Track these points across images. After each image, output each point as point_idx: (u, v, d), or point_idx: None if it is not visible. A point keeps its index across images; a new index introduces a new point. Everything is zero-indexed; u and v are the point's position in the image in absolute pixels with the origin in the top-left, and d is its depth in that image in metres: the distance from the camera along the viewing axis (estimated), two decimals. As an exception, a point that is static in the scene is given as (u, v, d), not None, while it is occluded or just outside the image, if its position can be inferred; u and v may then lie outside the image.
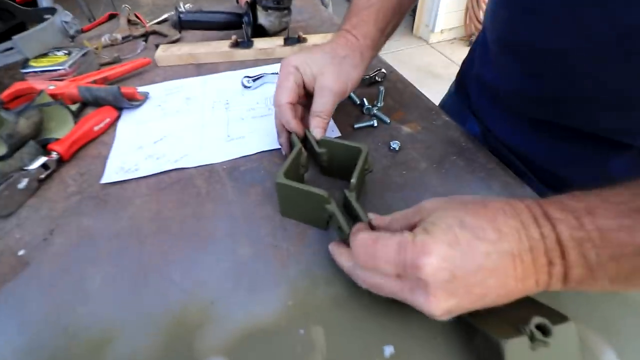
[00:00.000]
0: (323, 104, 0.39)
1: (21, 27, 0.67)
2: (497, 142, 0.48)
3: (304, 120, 0.42)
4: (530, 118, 0.43)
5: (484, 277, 0.22)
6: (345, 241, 0.30)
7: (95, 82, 0.55)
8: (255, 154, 0.44)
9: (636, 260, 0.21)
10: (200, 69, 0.62)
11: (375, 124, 0.48)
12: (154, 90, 0.56)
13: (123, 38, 0.70)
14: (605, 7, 0.28)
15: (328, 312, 0.30)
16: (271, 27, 0.66)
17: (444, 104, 0.61)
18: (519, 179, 0.41)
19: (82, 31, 0.72)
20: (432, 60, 2.49)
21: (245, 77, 0.55)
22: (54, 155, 0.43)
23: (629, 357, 0.27)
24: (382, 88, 0.51)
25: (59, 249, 0.35)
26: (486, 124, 0.50)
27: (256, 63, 0.62)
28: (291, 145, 0.39)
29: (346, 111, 0.51)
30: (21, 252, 0.35)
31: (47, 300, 0.31)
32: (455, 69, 0.61)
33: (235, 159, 0.44)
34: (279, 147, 0.44)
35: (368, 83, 0.56)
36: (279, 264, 0.33)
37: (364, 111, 0.50)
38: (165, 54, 0.62)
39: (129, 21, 0.74)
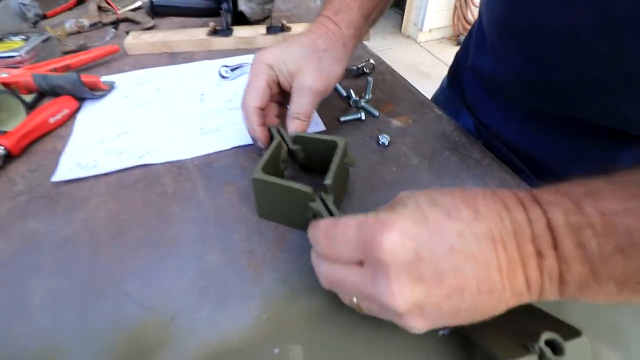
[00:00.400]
0: (302, 104, 0.35)
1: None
2: (493, 138, 0.45)
3: (281, 118, 0.38)
4: (530, 111, 0.39)
5: (458, 262, 0.18)
6: None
7: (55, 70, 0.50)
8: (231, 149, 0.40)
9: None
10: (175, 58, 0.57)
11: (363, 117, 0.44)
12: (121, 79, 0.51)
13: (91, 25, 0.64)
14: None
15: (308, 328, 0.26)
16: (252, 15, 0.62)
17: (436, 99, 0.58)
18: (516, 176, 0.38)
19: (46, 16, 0.67)
20: (420, 59, 2.48)
21: (223, 66, 0.51)
22: (1, 149, 0.38)
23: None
24: (370, 79, 0.47)
25: (-2, 256, 0.30)
26: (481, 118, 0.47)
27: (236, 53, 0.58)
28: (271, 138, 0.35)
29: (331, 104, 0.48)
30: (-48, 261, 0.30)
31: (-23, 318, 0.26)
32: (444, 68, 0.58)
33: (209, 154, 0.39)
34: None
35: (355, 74, 0.53)
36: (253, 272, 0.29)
37: (351, 103, 0.47)
38: (136, 41, 0.57)
39: (99, 7, 0.69)
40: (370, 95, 0.48)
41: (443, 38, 2.68)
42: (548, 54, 0.32)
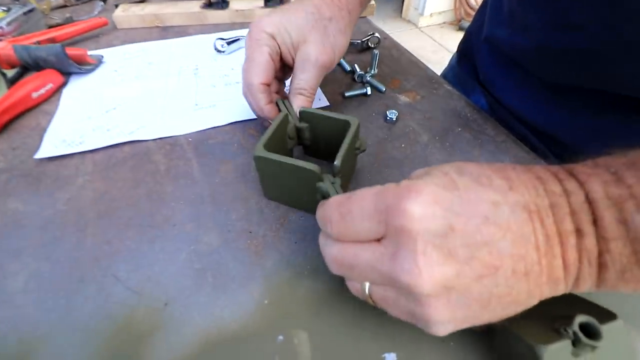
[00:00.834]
0: (306, 79, 0.32)
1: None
2: (508, 115, 0.42)
3: (281, 94, 0.35)
4: (550, 84, 0.36)
5: (492, 236, 0.15)
6: None
7: (39, 43, 0.46)
8: (227, 124, 0.37)
9: None
10: (167, 32, 0.53)
11: (369, 92, 0.42)
12: (110, 54, 0.47)
13: (78, -2, 0.60)
14: None
15: (314, 312, 0.24)
16: (249, -13, 0.58)
17: (445, 76, 0.55)
18: (533, 153, 0.36)
19: (29, -11, 0.62)
20: (421, 44, 2.42)
21: (218, 39, 0.48)
22: (-21, 125, 0.35)
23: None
24: (376, 52, 0.44)
25: (-25, 239, 0.28)
26: (496, 94, 0.44)
27: (232, 27, 0.54)
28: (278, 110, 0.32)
29: (335, 78, 0.45)
30: None
31: (-49, 305, 0.24)
32: (445, 54, 0.55)
33: (204, 130, 0.37)
34: (256, 117, 0.37)
35: (360, 49, 0.50)
36: (253, 253, 0.26)
37: (356, 78, 0.44)
38: (126, 14, 0.53)
39: (87, -20, 0.65)
40: (376, 70, 0.45)
41: (444, 23, 2.62)
42: (576, 15, 0.29)
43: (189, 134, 0.36)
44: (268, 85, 0.32)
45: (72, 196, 0.31)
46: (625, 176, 0.16)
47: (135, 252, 0.26)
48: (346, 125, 0.28)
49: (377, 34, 0.50)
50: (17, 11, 0.49)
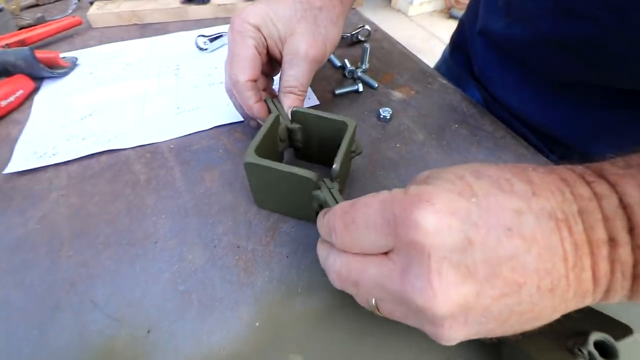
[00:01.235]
0: (297, 75, 0.29)
1: None
2: (504, 112, 0.40)
3: (268, 92, 0.33)
4: (549, 79, 0.34)
5: (516, 250, 0.14)
6: None
7: (8, 46, 0.43)
8: (212, 128, 0.35)
9: None
10: (146, 30, 0.51)
11: (361, 89, 0.40)
12: (85, 55, 0.45)
13: (50, -4, 0.57)
14: None
15: (310, 333, 0.22)
16: (232, -20, 0.55)
17: (438, 69, 0.53)
18: (533, 149, 0.34)
19: (-3, -12, 0.59)
20: (411, 33, 2.39)
21: (199, 36, 0.45)
22: (-58, 138, 0.32)
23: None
24: (367, 46, 0.42)
25: (-62, 265, 0.26)
26: (491, 89, 0.42)
27: (215, 23, 0.52)
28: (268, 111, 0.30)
29: (325, 74, 0.43)
30: None
31: None
32: (436, 42, 0.53)
33: (186, 135, 0.34)
34: (242, 119, 0.35)
35: (349, 42, 0.48)
36: (242, 271, 0.25)
37: (346, 74, 0.42)
38: (101, 12, 0.50)
39: (59, -23, 0.61)
40: (367, 65, 0.43)
41: (434, 11, 2.58)
42: (581, 3, 0.27)
43: (171, 140, 0.34)
44: (255, 81, 0.29)
45: (45, 213, 0.28)
46: None
47: (114, 274, 0.24)
48: (342, 126, 0.27)
49: (367, 26, 0.48)
50: (-17, 12, 0.46)
